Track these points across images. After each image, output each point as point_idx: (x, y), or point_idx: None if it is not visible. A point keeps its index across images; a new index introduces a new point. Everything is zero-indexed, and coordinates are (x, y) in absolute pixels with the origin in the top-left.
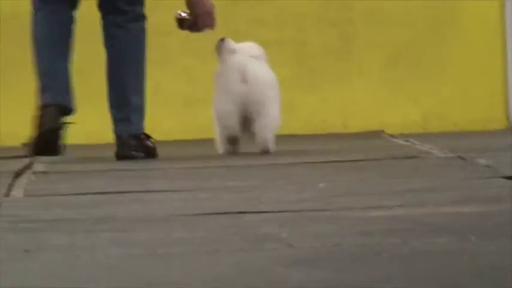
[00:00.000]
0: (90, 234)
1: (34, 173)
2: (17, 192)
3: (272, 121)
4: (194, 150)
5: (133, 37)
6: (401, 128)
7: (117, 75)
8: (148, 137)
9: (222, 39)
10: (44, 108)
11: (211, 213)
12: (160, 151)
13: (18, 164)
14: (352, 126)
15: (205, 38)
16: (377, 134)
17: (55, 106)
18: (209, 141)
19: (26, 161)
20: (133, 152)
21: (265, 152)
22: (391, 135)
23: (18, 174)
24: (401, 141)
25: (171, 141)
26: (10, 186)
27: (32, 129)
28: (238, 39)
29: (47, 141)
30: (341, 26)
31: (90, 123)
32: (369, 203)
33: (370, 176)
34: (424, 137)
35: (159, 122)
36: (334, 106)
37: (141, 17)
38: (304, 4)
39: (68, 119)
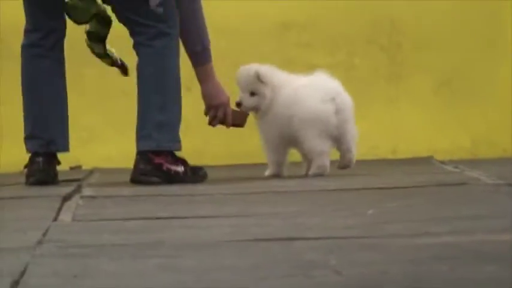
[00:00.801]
0: (138, 260)
1: (82, 197)
2: (65, 216)
3: (355, 137)
4: (242, 174)
5: (157, 54)
6: (450, 153)
7: (141, 92)
8: (177, 159)
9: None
10: (32, 156)
11: (260, 240)
12: (209, 175)
13: (66, 188)
14: (401, 152)
15: (256, 61)
16: (426, 160)
17: (42, 154)
18: (256, 166)
19: (75, 185)
20: (142, 177)
21: (347, 167)
22: (441, 161)
23: (66, 199)
24: (450, 168)
25: (220, 165)
26: (58, 210)
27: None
28: (288, 64)
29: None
30: (391, 51)
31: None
32: (417, 230)
33: (418, 203)
34: (473, 163)
35: (208, 146)
36: (383, 131)
37: (165, 34)
38: (354, 29)
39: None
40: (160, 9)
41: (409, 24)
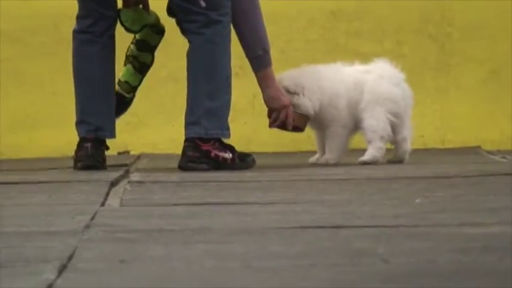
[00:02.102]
0: (186, 246)
1: (130, 182)
2: (113, 201)
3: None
4: (290, 162)
5: (207, 42)
6: (498, 143)
7: (191, 79)
8: (225, 146)
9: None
10: (80, 141)
11: (307, 227)
12: (257, 162)
13: (114, 173)
14: (449, 142)
15: (303, 48)
16: (474, 150)
17: (91, 139)
18: (304, 154)
19: (122, 170)
20: (190, 164)
21: (401, 160)
22: (488, 152)
23: (114, 184)
24: (498, 158)
25: (267, 153)
26: (106, 196)
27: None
28: (336, 52)
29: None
30: (440, 40)
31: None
32: (465, 220)
33: (466, 193)
34: None
35: (255, 133)
36: (432, 121)
37: (216, 22)
38: (404, 18)
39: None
40: (203, 3)
41: (459, 14)
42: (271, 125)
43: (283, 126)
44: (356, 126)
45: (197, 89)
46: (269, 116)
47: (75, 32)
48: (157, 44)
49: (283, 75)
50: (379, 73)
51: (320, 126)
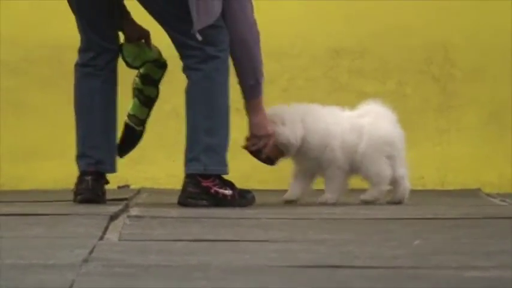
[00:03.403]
0: (185, 282)
1: (129, 216)
2: (112, 235)
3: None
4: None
5: (205, 78)
6: (498, 186)
7: (190, 115)
8: (225, 182)
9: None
10: (80, 175)
11: (306, 266)
12: (257, 199)
13: (114, 207)
14: (449, 183)
15: (305, 87)
16: (474, 192)
17: (91, 173)
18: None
19: (122, 204)
20: (190, 200)
21: (401, 200)
22: (488, 194)
23: (113, 218)
24: (497, 201)
25: (267, 190)
26: (105, 230)
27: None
28: (338, 90)
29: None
30: (442, 81)
31: None
32: (464, 263)
33: (465, 235)
34: None
35: (255, 170)
36: (432, 162)
37: (213, 58)
38: (407, 58)
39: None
40: (199, 37)
41: (462, 54)
42: (247, 148)
43: (257, 153)
44: (353, 168)
45: (196, 125)
46: (247, 139)
47: (77, 65)
48: (161, 77)
49: (272, 107)
50: (375, 116)
51: (319, 167)
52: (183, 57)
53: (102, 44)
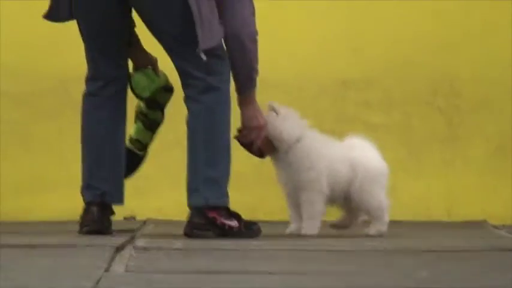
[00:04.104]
0: None
1: (135, 248)
2: (118, 267)
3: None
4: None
5: (206, 110)
6: (504, 218)
7: (190, 147)
8: (231, 214)
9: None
10: (86, 205)
11: None
12: (263, 231)
13: (120, 239)
14: (455, 215)
15: (312, 117)
16: (480, 224)
17: (97, 204)
18: None
19: (128, 235)
20: (195, 231)
21: (381, 235)
22: (494, 226)
23: (119, 249)
24: (503, 233)
25: (274, 221)
26: (111, 261)
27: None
28: (345, 122)
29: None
30: (448, 113)
31: None
32: None
33: (471, 267)
34: None
35: (262, 202)
36: (438, 193)
37: (214, 89)
38: (412, 89)
39: (111, 211)
40: (204, 57)
41: (468, 86)
42: (238, 138)
43: (249, 145)
44: (339, 199)
45: (196, 157)
46: (238, 130)
47: (85, 94)
48: (167, 102)
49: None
50: (363, 149)
51: (295, 188)
52: (184, 86)
53: (111, 73)
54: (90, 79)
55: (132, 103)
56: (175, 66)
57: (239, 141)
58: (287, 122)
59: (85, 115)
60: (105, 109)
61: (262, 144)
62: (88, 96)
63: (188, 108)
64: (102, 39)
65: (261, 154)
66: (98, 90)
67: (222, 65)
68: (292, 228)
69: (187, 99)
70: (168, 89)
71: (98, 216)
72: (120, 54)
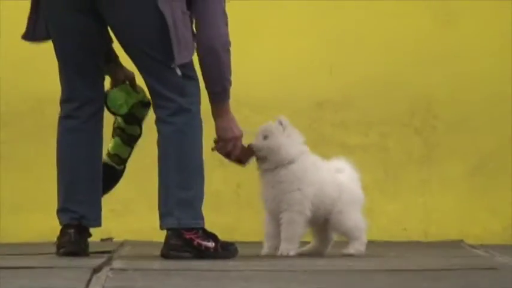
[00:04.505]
0: None
1: (112, 269)
2: None
3: None
4: (273, 252)
5: (177, 132)
6: (481, 238)
7: (161, 170)
8: (208, 234)
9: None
10: (63, 227)
11: None
12: (240, 252)
13: (97, 260)
14: (432, 235)
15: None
16: (457, 244)
17: (74, 226)
18: None
19: (105, 257)
20: (172, 252)
21: (360, 255)
22: (471, 246)
23: (96, 271)
24: (480, 252)
25: (251, 242)
26: (88, 283)
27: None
28: (321, 143)
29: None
30: (425, 134)
31: None
32: None
33: (450, 286)
34: (504, 248)
35: (239, 222)
36: (415, 214)
37: (185, 110)
38: (389, 110)
39: (88, 235)
40: (179, 72)
41: (445, 107)
42: (217, 150)
43: (227, 155)
44: (320, 221)
45: (168, 180)
46: (215, 141)
47: (60, 118)
48: (145, 116)
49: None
50: (351, 173)
51: (278, 207)
52: (156, 107)
53: (86, 93)
54: (64, 101)
55: (110, 118)
56: (147, 86)
57: (218, 152)
58: (289, 140)
59: (60, 139)
60: (81, 133)
61: (240, 154)
62: (63, 119)
63: (159, 130)
64: (79, 59)
65: (240, 162)
66: (73, 111)
67: (194, 86)
68: (266, 247)
69: (158, 121)
70: (146, 104)
71: (75, 238)
72: (97, 73)
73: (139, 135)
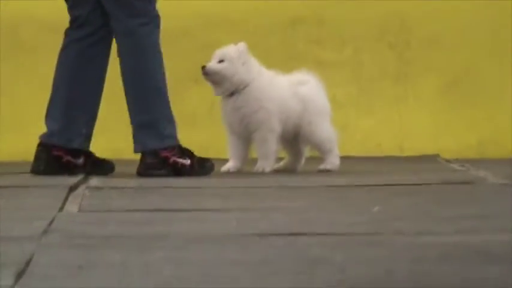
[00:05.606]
0: (144, 252)
1: (88, 187)
2: (71, 206)
3: None
4: (248, 168)
5: (131, 51)
6: (456, 152)
7: (125, 92)
8: (183, 151)
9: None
10: (40, 145)
11: (265, 234)
12: (217, 168)
13: (73, 179)
14: (407, 150)
15: (263, 56)
16: (432, 158)
17: (50, 147)
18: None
19: (82, 175)
20: (148, 170)
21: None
22: (447, 160)
23: (72, 189)
24: (456, 166)
25: (226, 159)
26: (64, 201)
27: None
28: (295, 60)
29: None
30: (399, 49)
31: None
32: (423, 229)
33: (424, 201)
34: (479, 162)
35: (215, 140)
36: (389, 129)
37: (137, 30)
38: (362, 26)
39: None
40: None
41: (418, 22)
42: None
43: None
44: (290, 136)
45: (128, 103)
46: None
47: (68, 42)
48: None
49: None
50: (314, 85)
51: (245, 130)
52: (113, 29)
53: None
54: (76, 27)
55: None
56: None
57: None
58: (244, 67)
59: (60, 53)
60: (75, 51)
61: None
62: (72, 43)
63: (117, 50)
64: None
65: None
66: (85, 37)
67: (148, 4)
68: (228, 166)
69: (116, 40)
70: None
71: (51, 156)
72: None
73: None
